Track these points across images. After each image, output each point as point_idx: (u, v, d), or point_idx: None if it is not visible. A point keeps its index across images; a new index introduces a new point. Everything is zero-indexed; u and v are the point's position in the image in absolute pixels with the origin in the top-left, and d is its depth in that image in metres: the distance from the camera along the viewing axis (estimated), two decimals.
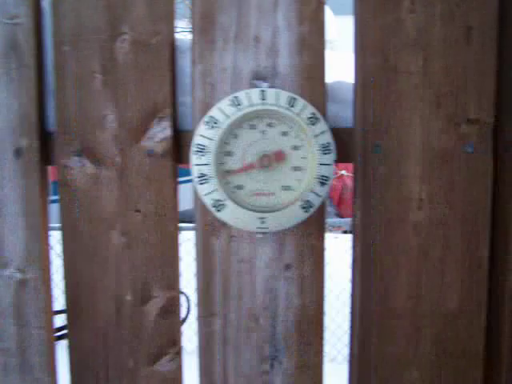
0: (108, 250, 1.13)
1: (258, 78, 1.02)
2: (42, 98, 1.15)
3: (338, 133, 1.05)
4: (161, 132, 1.09)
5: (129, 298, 1.14)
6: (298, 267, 1.08)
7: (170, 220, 1.11)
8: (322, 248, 1.07)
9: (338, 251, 3.35)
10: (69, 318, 1.16)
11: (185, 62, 1.10)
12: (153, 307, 1.13)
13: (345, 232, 4.97)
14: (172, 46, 1.08)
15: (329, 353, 3.47)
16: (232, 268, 1.10)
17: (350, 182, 4.98)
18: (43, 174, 1.17)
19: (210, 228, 1.08)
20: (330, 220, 5.00)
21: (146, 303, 1.14)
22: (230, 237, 1.08)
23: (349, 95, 1.07)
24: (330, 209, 5.71)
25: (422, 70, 1.02)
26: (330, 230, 4.89)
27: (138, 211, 1.11)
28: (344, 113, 1.07)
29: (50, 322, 1.20)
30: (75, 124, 1.11)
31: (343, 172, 5.34)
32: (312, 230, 1.07)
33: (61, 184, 1.13)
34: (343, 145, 1.05)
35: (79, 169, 1.12)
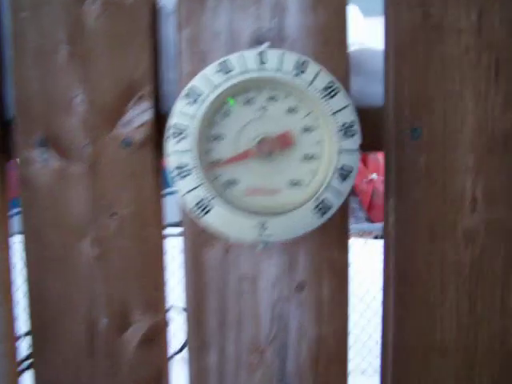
0: (78, 262, 0.91)
1: (259, 43, 0.79)
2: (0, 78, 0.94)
3: (363, 113, 0.81)
4: (139, 116, 0.87)
5: (104, 322, 0.91)
6: (313, 287, 0.84)
7: (152, 226, 0.88)
8: (345, 263, 0.83)
9: (369, 257, 3.10)
10: (34, 346, 0.94)
11: (170, 29, 0.87)
12: (133, 335, 0.91)
13: (376, 238, 4.71)
14: (153, 7, 0.86)
15: (358, 365, 3.28)
16: (230, 287, 0.86)
17: (381, 187, 4.71)
18: (2, 171, 0.96)
19: (201, 236, 0.85)
20: (360, 226, 4.73)
21: (125, 329, 0.91)
22: (227, 248, 0.85)
23: (377, 65, 0.83)
24: (360, 213, 5.44)
25: (477, 26, 0.77)
26: (360, 236, 4.64)
27: (113, 215, 0.89)
28: (371, 88, 0.83)
29: (13, 348, 0.99)
30: (38, 107, 0.89)
31: (374, 176, 5.06)
32: (332, 239, 0.83)
33: (22, 181, 0.91)
34: (371, 128, 0.80)
35: (43, 162, 0.90)
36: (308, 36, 0.80)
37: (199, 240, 0.86)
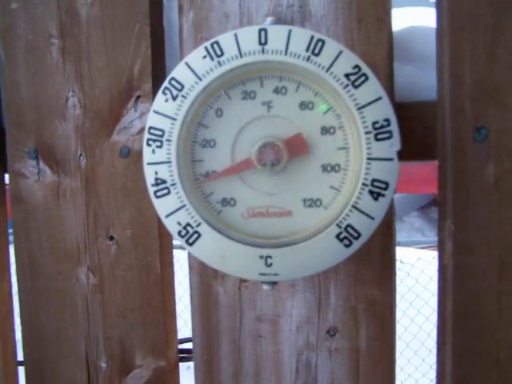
0: (75, 293, 0.77)
1: (275, 23, 0.62)
2: None
3: (409, 109, 0.63)
4: (139, 119, 0.72)
5: (103, 365, 0.77)
6: (347, 333, 0.66)
7: (156, 251, 0.73)
8: (388, 304, 0.64)
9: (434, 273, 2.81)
10: None
11: (175, 14, 0.72)
12: (135, 381, 0.76)
13: None
14: None
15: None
16: (245, 330, 0.70)
17: None
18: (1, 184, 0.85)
19: (209, 267, 0.69)
20: (426, 239, 4.40)
21: (125, 374, 0.76)
22: (241, 282, 0.69)
23: (428, 48, 0.64)
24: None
25: None
26: (431, 249, 4.31)
27: (111, 239, 0.74)
28: (420, 77, 0.64)
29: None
30: (28, 113, 0.77)
31: None
32: (371, 273, 0.64)
33: (14, 199, 0.79)
34: (419, 129, 0.62)
35: (36, 177, 0.77)
36: (338, 12, 0.62)
37: (207, 271, 0.70)
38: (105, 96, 0.73)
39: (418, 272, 2.92)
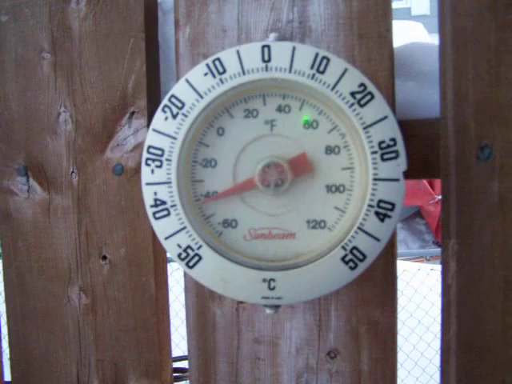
0: (66, 314, 0.75)
1: (277, 40, 0.61)
2: None
3: (414, 127, 0.62)
4: (133, 136, 0.70)
5: None
6: (348, 355, 0.64)
7: (150, 272, 0.71)
8: (390, 325, 0.63)
9: (436, 285, 2.81)
10: None
11: (171, 29, 0.71)
12: None
13: None
14: (149, 3, 0.70)
15: None
16: (243, 352, 0.68)
17: None
18: None
19: (206, 288, 0.67)
20: (427, 250, 4.41)
21: None
22: (239, 303, 0.67)
23: (431, 65, 0.63)
24: (428, 237, 5.11)
25: None
26: (428, 260, 4.32)
27: (103, 258, 0.72)
28: (423, 94, 0.63)
29: None
30: (18, 128, 0.75)
31: (441, 197, 4.72)
32: (373, 293, 0.63)
33: (2, 216, 0.77)
34: (420, 147, 0.61)
35: (26, 194, 0.75)
36: (339, 28, 0.61)
37: (204, 292, 0.68)
38: (98, 112, 0.71)
39: (403, 284, 2.92)
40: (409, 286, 2.95)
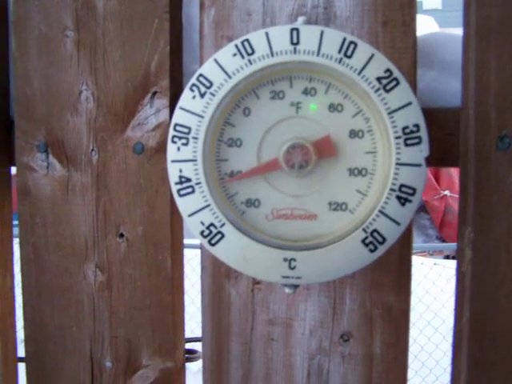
0: (81, 290, 0.76)
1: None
2: (4, 72, 0.81)
3: (434, 115, 0.62)
4: (155, 115, 0.71)
5: (108, 364, 0.76)
6: (362, 339, 0.65)
7: (167, 251, 0.72)
8: (404, 309, 0.64)
9: (438, 279, 2.82)
10: None
11: (195, 10, 0.71)
12: (140, 382, 0.75)
13: (447, 257, 4.37)
14: None
15: None
16: (256, 332, 0.69)
17: (455, 204, 4.39)
18: (4, 179, 0.83)
19: (222, 267, 0.68)
20: (431, 244, 4.41)
21: (131, 375, 0.75)
22: (254, 284, 0.68)
23: (453, 54, 0.64)
24: (430, 231, 5.12)
25: None
26: (431, 255, 4.33)
27: (121, 236, 0.73)
28: (444, 83, 0.64)
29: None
30: (39, 105, 0.75)
31: (446, 192, 4.71)
32: (388, 278, 0.64)
33: (20, 192, 0.78)
34: (440, 135, 0.61)
35: (45, 171, 0.76)
36: (363, 14, 0.62)
37: (220, 272, 0.69)
38: (120, 91, 0.72)
39: None
40: (412, 279, 2.96)
